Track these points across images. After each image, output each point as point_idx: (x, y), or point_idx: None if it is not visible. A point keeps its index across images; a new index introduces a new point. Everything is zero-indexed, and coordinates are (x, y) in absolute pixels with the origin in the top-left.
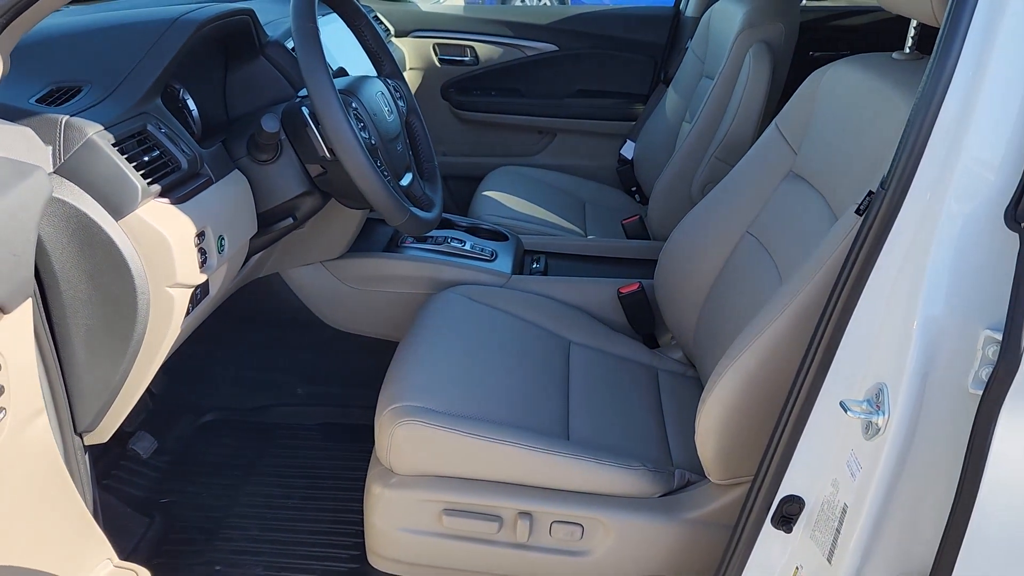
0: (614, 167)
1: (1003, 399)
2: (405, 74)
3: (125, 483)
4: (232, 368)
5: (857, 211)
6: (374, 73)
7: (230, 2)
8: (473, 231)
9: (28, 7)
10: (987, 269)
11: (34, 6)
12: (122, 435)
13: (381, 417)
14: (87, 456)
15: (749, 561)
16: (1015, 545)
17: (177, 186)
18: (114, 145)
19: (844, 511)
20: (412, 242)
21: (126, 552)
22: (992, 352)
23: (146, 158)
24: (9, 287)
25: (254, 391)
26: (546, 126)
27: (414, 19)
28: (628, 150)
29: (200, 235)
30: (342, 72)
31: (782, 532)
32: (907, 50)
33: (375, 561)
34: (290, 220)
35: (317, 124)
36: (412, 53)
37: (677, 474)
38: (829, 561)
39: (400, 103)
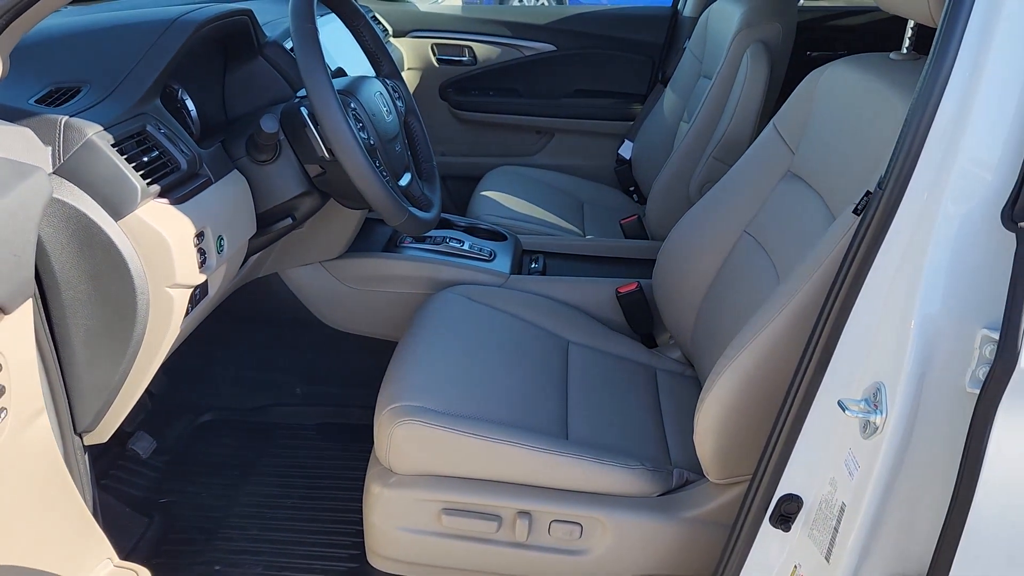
0: (612, 167)
1: (1000, 398)
2: (403, 74)
3: (124, 483)
4: (231, 368)
5: (855, 211)
6: (373, 73)
7: (229, 2)
8: (472, 231)
9: (28, 7)
10: (984, 269)
11: (34, 7)
12: (121, 435)
13: (380, 417)
14: (87, 456)
15: (747, 560)
16: (1012, 543)
17: (176, 186)
18: (113, 145)
19: (842, 510)
20: (411, 242)
21: (125, 552)
22: (989, 351)
23: (145, 158)
24: (9, 287)
25: (253, 391)
26: (544, 126)
27: (412, 19)
28: (626, 150)
29: (199, 235)
30: (341, 72)
31: (780, 531)
32: (904, 50)
33: (374, 560)
34: (289, 220)
35: (316, 124)
36: (410, 53)
37: (675, 473)
38: (827, 560)
39: (399, 103)
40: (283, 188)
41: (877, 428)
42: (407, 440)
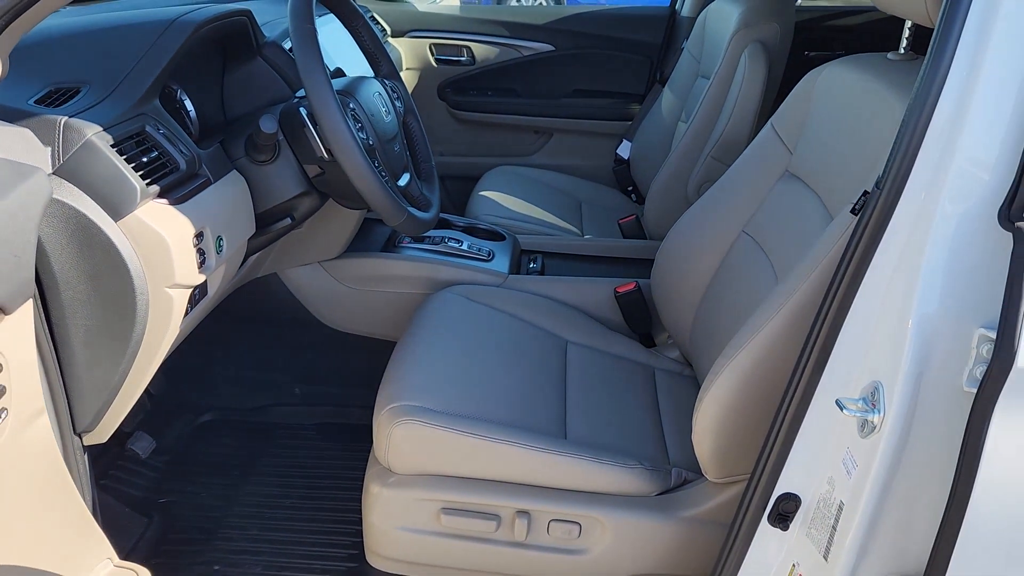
0: (610, 167)
1: (997, 397)
2: (402, 74)
3: (123, 483)
4: (230, 368)
5: (852, 211)
6: (371, 74)
7: (228, 3)
8: (470, 231)
9: (27, 8)
10: (981, 268)
11: (34, 7)
12: (121, 435)
13: (379, 417)
14: (86, 456)
15: (746, 559)
16: (1009, 542)
17: (175, 187)
18: (113, 146)
19: (840, 509)
20: (409, 242)
21: (125, 552)
22: (986, 350)
23: (145, 159)
24: (10, 288)
25: (252, 391)
26: (543, 126)
27: (410, 19)
28: (624, 150)
29: (199, 236)
30: (339, 73)
31: (778, 530)
32: (902, 50)
33: (374, 560)
34: (288, 220)
35: (315, 125)
36: (409, 53)
37: (674, 473)
38: (825, 559)
39: (397, 104)
40: (282, 188)
41: (875, 427)
42: (406, 440)
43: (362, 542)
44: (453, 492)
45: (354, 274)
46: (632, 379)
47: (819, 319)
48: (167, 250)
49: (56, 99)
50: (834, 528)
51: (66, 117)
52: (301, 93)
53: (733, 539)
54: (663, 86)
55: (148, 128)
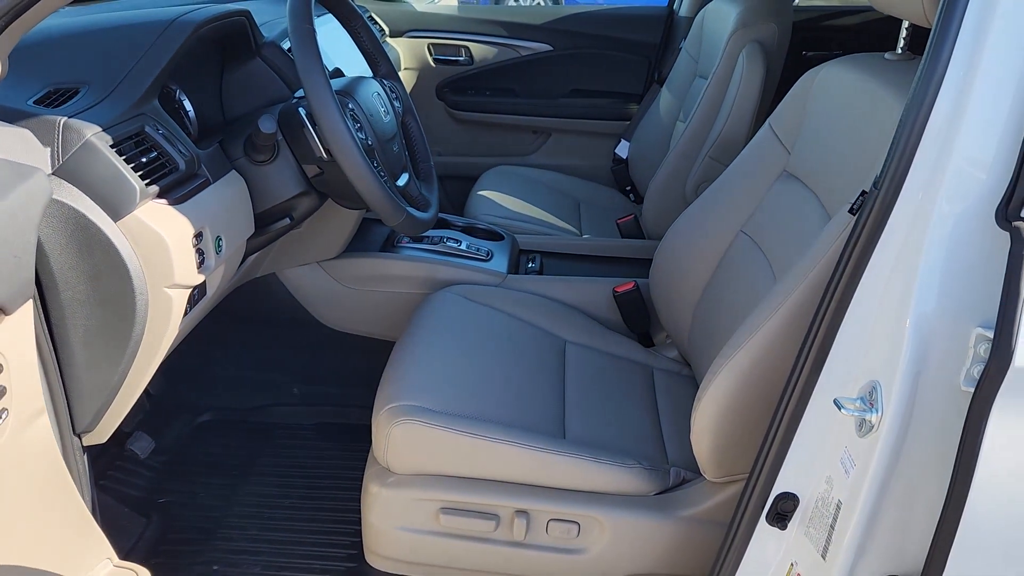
0: (609, 166)
1: (994, 396)
2: (400, 74)
3: (122, 483)
4: (229, 368)
5: (850, 210)
6: (370, 74)
7: (226, 3)
8: (469, 231)
9: (27, 8)
10: (978, 268)
11: (34, 8)
12: (120, 435)
13: (378, 417)
14: (85, 456)
15: (744, 558)
16: (1007, 540)
17: (175, 187)
18: (112, 146)
19: (838, 508)
20: (408, 242)
21: (124, 552)
22: (984, 350)
23: (144, 159)
24: (10, 289)
25: (251, 391)
26: (541, 126)
27: (409, 19)
28: (623, 149)
29: (198, 236)
30: (338, 73)
31: (777, 529)
32: (899, 50)
33: (373, 560)
34: (287, 220)
35: (314, 125)
36: (407, 53)
37: (672, 472)
38: (823, 557)
39: (396, 104)
40: (281, 188)
41: (873, 426)
42: (405, 440)
43: (361, 542)
44: (452, 492)
45: (353, 274)
46: (630, 379)
47: (817, 318)
48: (166, 250)
49: (55, 99)
50: (832, 527)
51: (65, 117)
52: (300, 93)
53: (731, 538)
54: (661, 86)
55: (147, 128)
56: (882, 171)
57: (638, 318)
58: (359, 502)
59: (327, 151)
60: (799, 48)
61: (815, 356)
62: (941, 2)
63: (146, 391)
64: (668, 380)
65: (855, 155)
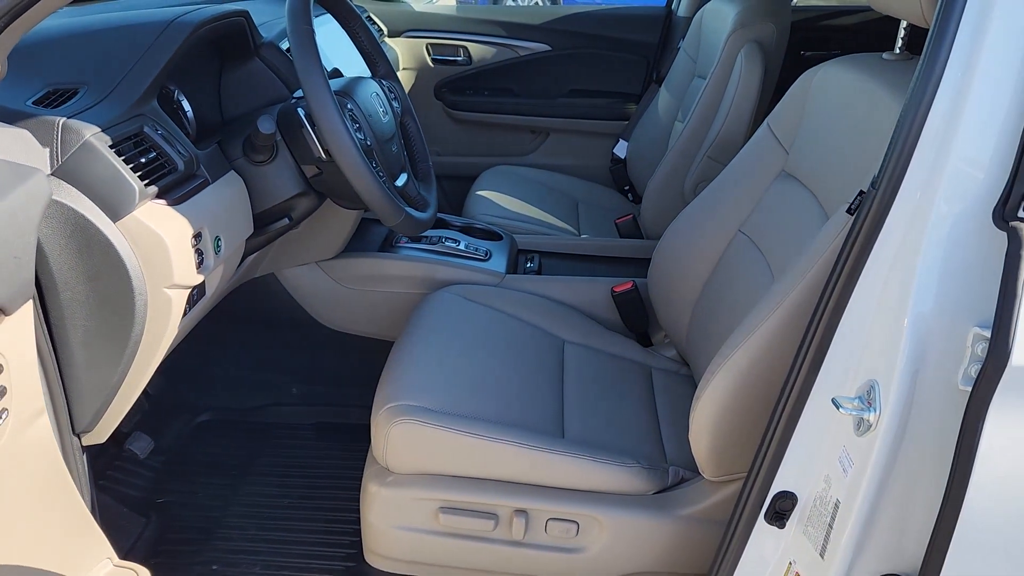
0: (607, 166)
1: (992, 395)
2: (398, 74)
3: (122, 483)
4: (228, 368)
5: (848, 210)
6: (368, 74)
7: (225, 4)
8: (467, 231)
9: (27, 9)
10: (976, 267)
11: (33, 8)
12: (119, 435)
13: (377, 416)
14: (85, 456)
15: (743, 557)
16: (1005, 539)
17: (174, 187)
18: (111, 147)
19: (836, 507)
20: (407, 242)
21: (123, 552)
22: (981, 349)
23: (143, 160)
24: (10, 289)
25: (250, 391)
26: (539, 125)
27: (407, 19)
28: (621, 149)
29: (197, 236)
30: (337, 73)
31: (775, 528)
32: (897, 50)
33: (372, 559)
34: (286, 221)
35: (313, 125)
36: (405, 53)
37: (671, 471)
38: (822, 556)
39: (395, 104)
40: (280, 188)
41: (871, 425)
42: (404, 439)
43: (360, 541)
44: (451, 491)
45: (352, 274)
46: (629, 378)
47: (815, 318)
48: (165, 251)
49: (54, 100)
50: (830, 526)
51: (64, 118)
52: (299, 93)
53: (730, 537)
54: (659, 86)
55: (146, 129)
56: (880, 171)
57: (636, 318)
58: (358, 502)
59: (326, 151)
60: (797, 48)
61: (813, 355)
62: (939, 2)
63: (145, 391)
64: (666, 379)
65: (853, 155)
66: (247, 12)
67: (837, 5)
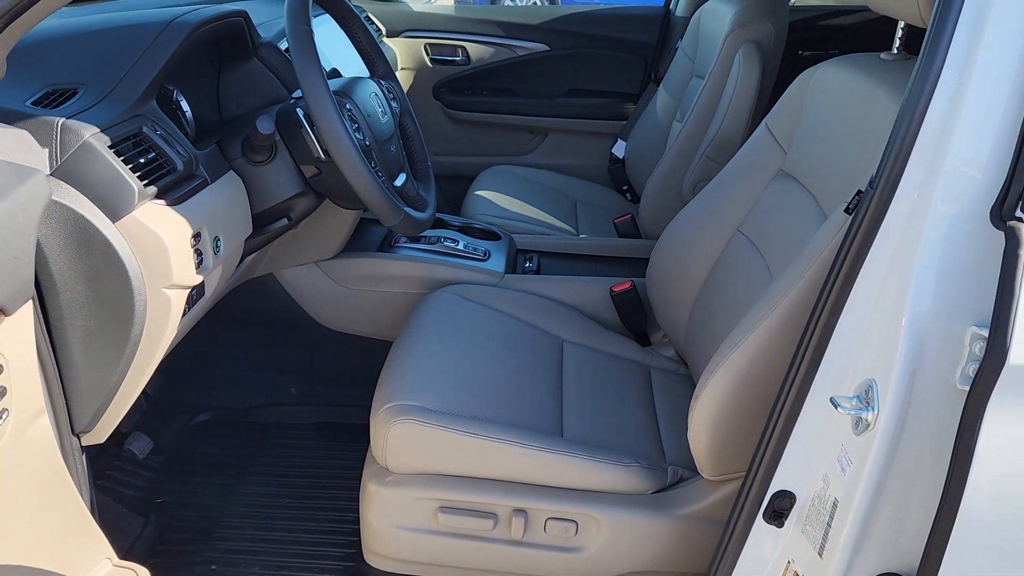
0: (605, 166)
1: (989, 395)
2: (397, 74)
3: (121, 483)
4: (227, 368)
5: (846, 210)
6: (367, 74)
7: (223, 4)
8: (466, 230)
9: (26, 9)
10: (974, 267)
11: (33, 8)
12: (118, 435)
13: (376, 416)
14: (84, 456)
15: (742, 556)
16: (1002, 538)
17: (173, 188)
18: (110, 147)
19: (835, 506)
20: (406, 242)
21: (122, 552)
22: (979, 348)
23: (142, 160)
24: (10, 290)
25: (249, 391)
26: (538, 125)
27: (405, 19)
28: (619, 149)
29: (196, 236)
30: (335, 73)
31: (774, 527)
32: (895, 50)
33: (371, 559)
34: (285, 221)
35: (311, 125)
36: (404, 53)
37: (670, 470)
38: (820, 555)
39: (393, 104)
40: (279, 189)
41: (869, 425)
42: (403, 439)
43: (360, 541)
44: (450, 491)
45: (350, 274)
46: (628, 378)
47: (813, 317)
48: (165, 251)
49: (53, 100)
50: (829, 525)
51: (63, 118)
52: (297, 94)
53: (729, 536)
54: (658, 85)
55: (145, 129)
56: (878, 171)
57: (635, 317)
58: (357, 501)
59: (325, 151)
60: (795, 48)
61: (811, 355)
62: (936, 2)
63: (144, 391)
64: (665, 379)
65: (851, 155)
66: (246, 12)
67: (835, 5)
